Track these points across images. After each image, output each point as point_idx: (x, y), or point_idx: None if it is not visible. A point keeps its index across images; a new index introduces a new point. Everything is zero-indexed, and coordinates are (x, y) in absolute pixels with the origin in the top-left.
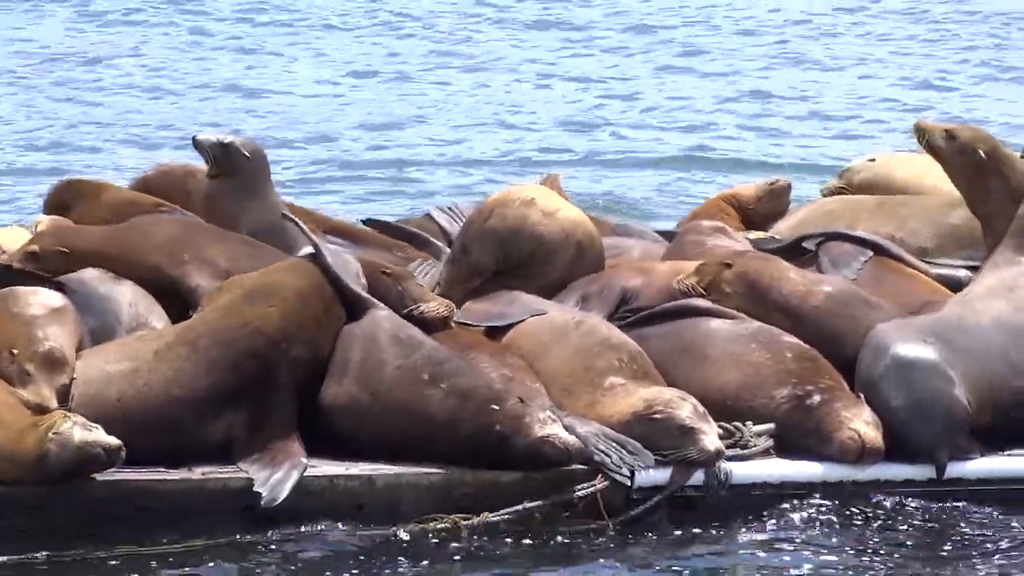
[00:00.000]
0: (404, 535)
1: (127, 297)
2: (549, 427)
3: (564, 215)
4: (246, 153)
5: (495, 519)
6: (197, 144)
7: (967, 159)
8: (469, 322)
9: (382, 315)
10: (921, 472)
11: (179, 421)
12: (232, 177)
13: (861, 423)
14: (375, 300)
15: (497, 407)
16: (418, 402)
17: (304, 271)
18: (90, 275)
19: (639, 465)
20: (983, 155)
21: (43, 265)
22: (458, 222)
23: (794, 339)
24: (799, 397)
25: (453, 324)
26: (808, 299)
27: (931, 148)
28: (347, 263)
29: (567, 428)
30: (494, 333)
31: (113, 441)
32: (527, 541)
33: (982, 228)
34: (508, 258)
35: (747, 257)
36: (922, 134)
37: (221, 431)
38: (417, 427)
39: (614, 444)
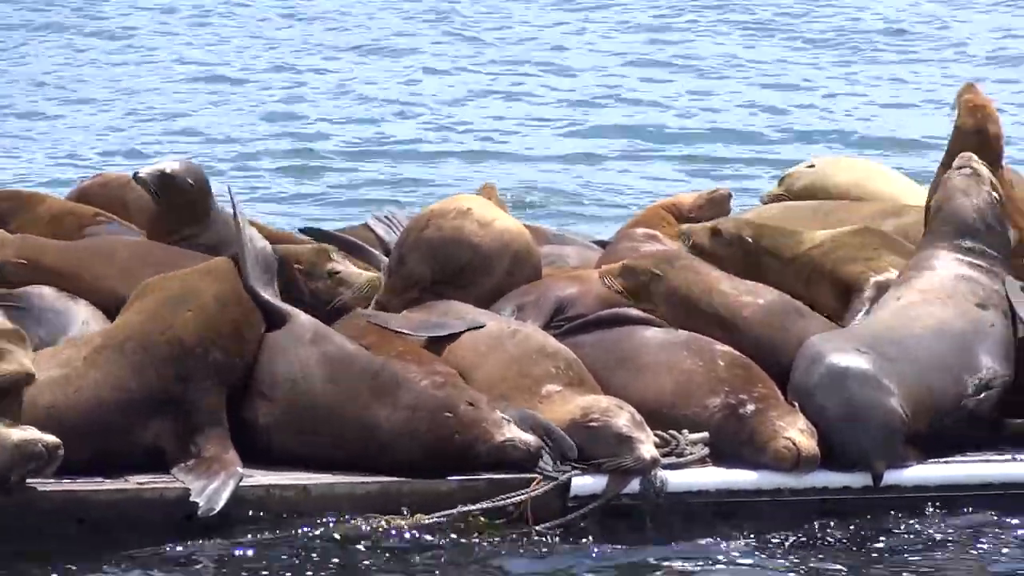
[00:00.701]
0: (337, 537)
1: (81, 315)
2: (508, 430)
3: (500, 225)
4: (190, 181)
5: (429, 521)
6: (139, 181)
7: (736, 249)
8: (407, 332)
9: (302, 327)
10: (857, 480)
11: (109, 425)
12: (178, 204)
13: (795, 431)
14: (290, 310)
15: (451, 414)
16: (363, 419)
17: (223, 274)
18: (47, 291)
19: (575, 471)
20: (750, 240)
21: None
22: (395, 231)
23: (726, 347)
24: (732, 406)
25: (393, 329)
26: (740, 309)
27: (698, 250)
28: (271, 264)
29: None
30: (432, 343)
31: (51, 438)
32: (461, 545)
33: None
34: (444, 268)
35: (677, 267)
36: (686, 238)
37: (150, 437)
38: (364, 444)
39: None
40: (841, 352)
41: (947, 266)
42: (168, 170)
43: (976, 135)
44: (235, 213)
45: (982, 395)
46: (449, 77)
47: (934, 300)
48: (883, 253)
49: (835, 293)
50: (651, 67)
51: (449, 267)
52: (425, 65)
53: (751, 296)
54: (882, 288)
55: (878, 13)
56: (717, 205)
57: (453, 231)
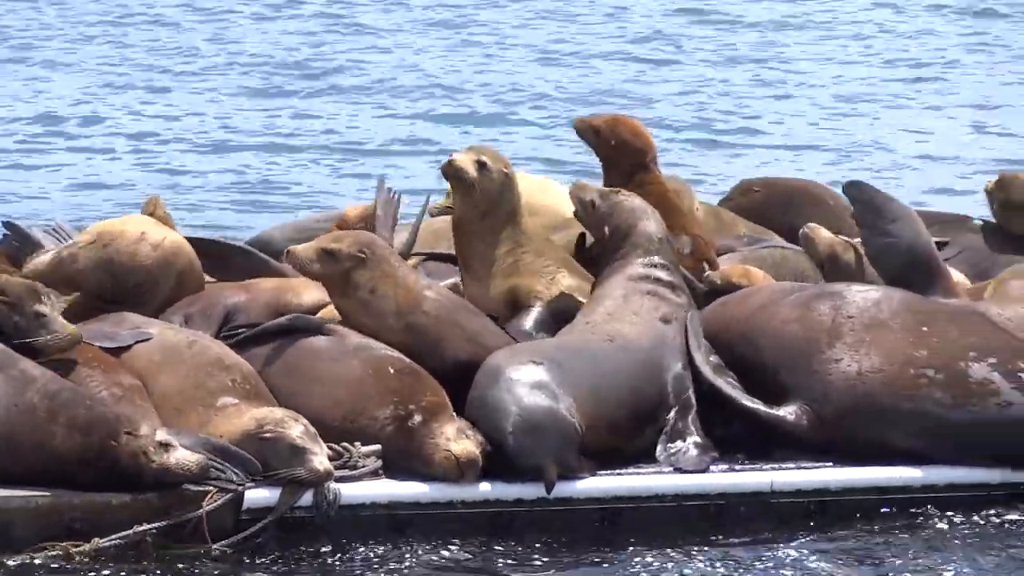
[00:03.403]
0: (13, 564)
1: None
2: (171, 455)
3: (169, 243)
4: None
5: (106, 544)
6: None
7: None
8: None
9: None
10: (531, 491)
11: None
12: None
13: (459, 443)
14: None
15: (116, 443)
16: (43, 442)
17: None
18: None
19: (249, 482)
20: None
21: None
22: (63, 240)
23: (395, 353)
24: (401, 418)
25: None
26: (417, 304)
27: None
28: None
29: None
30: (110, 351)
31: None
32: (138, 567)
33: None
34: (116, 288)
35: (379, 254)
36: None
37: None
38: (49, 467)
39: (222, 461)
40: (517, 365)
41: (632, 286)
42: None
43: (612, 149)
44: None
45: (675, 405)
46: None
47: (621, 318)
48: (559, 271)
49: (505, 301)
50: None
51: (122, 287)
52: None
53: (428, 291)
54: (550, 308)
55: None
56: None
57: (129, 257)
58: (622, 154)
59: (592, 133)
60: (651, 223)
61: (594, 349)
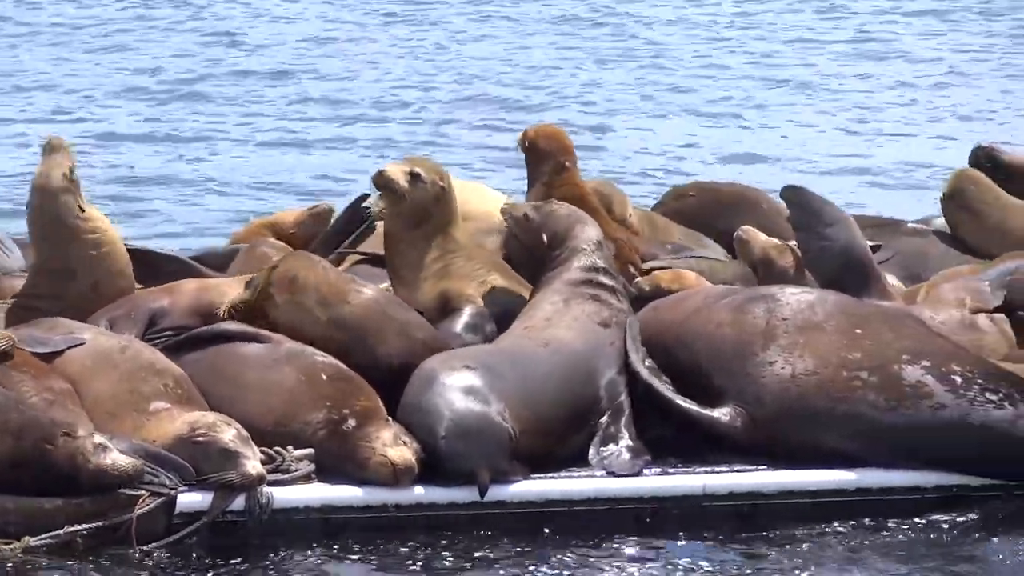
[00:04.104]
0: None
1: None
2: (107, 456)
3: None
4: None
5: (37, 543)
6: None
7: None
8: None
9: None
10: (464, 495)
11: None
12: None
13: (395, 448)
14: None
15: (51, 446)
16: None
17: None
18: None
19: (182, 487)
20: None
21: None
22: (7, 254)
23: (329, 359)
24: (335, 422)
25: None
26: (347, 300)
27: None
28: None
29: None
30: (42, 357)
31: None
32: (70, 566)
33: None
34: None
35: (287, 259)
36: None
37: None
38: None
39: (156, 467)
40: (451, 370)
41: (573, 291)
42: None
43: (534, 153)
44: None
45: (609, 409)
46: None
47: (558, 323)
48: (489, 273)
49: (435, 306)
50: None
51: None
52: None
53: (359, 287)
54: (479, 314)
55: None
56: (318, 219)
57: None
58: (543, 157)
59: (521, 140)
60: (589, 227)
61: (528, 354)
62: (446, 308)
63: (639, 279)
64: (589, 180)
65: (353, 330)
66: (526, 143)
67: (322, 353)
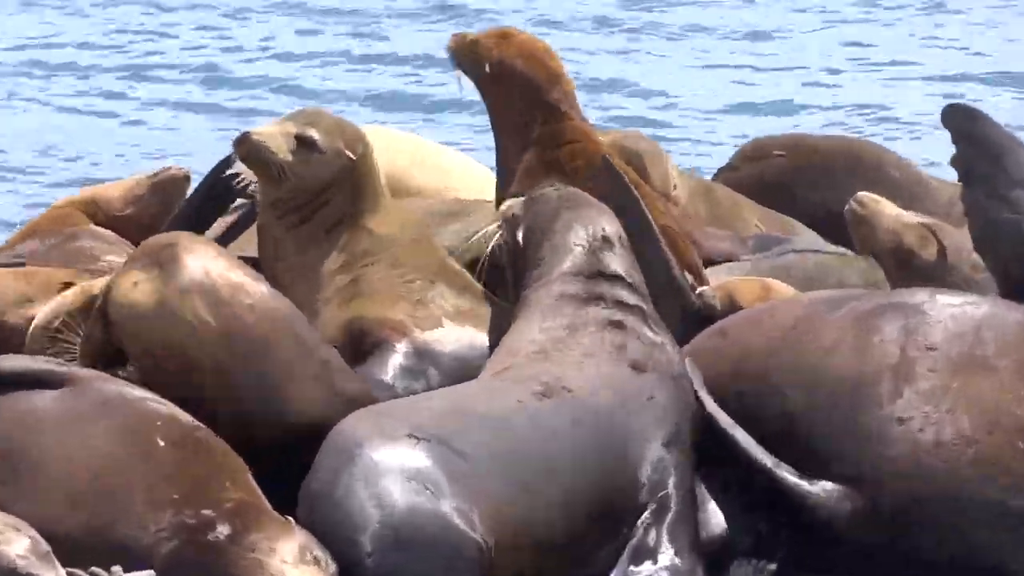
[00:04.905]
0: None
1: None
2: None
3: None
4: None
5: None
6: None
7: None
8: None
9: None
10: None
11: None
12: None
13: (293, 566)
14: None
15: None
16: None
17: None
18: None
19: None
20: None
21: None
22: None
23: (170, 409)
24: (191, 528)
25: None
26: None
27: None
28: None
29: None
30: None
31: None
32: None
33: None
34: None
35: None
36: None
37: None
38: None
39: None
40: (385, 440)
41: (580, 313)
42: None
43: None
44: None
45: (652, 502)
46: None
47: (561, 361)
48: (432, 287)
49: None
50: None
51: None
52: None
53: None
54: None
55: None
56: (167, 191)
57: None
58: (513, 89)
59: (469, 55)
60: (603, 219)
61: (512, 412)
62: (361, 344)
63: (703, 289)
64: (603, 131)
65: (250, 358)
66: (488, 66)
67: (158, 398)
